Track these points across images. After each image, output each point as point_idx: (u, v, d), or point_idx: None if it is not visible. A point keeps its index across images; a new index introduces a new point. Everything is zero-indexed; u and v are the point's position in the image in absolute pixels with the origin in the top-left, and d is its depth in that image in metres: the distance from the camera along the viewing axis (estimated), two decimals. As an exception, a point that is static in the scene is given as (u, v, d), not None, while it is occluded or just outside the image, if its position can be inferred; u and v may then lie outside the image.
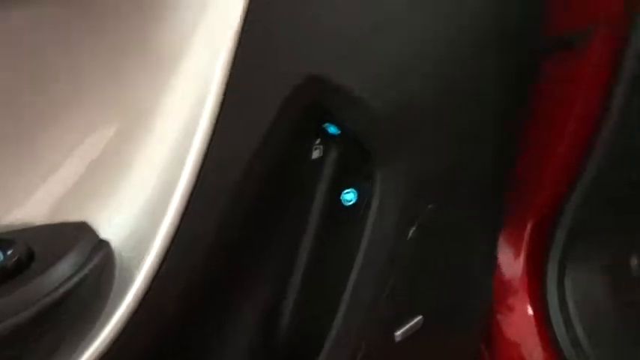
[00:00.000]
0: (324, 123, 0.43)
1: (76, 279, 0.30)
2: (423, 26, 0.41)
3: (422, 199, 0.45)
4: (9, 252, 0.29)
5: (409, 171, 0.43)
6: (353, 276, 0.42)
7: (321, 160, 0.43)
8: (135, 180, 0.33)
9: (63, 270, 0.30)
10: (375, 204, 0.42)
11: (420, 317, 0.48)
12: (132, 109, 0.33)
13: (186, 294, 0.34)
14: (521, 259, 0.74)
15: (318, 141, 0.44)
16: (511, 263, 0.75)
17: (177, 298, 0.33)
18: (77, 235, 0.31)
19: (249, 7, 0.33)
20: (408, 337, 0.47)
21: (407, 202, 0.43)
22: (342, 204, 0.44)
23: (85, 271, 0.30)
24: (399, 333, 0.46)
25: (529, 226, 0.73)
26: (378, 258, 0.42)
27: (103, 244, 0.31)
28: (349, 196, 0.44)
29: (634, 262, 0.76)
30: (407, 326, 0.46)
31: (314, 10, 0.36)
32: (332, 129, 0.43)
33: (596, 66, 0.63)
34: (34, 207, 0.31)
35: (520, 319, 0.74)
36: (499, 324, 0.74)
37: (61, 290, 0.30)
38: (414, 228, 0.45)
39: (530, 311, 0.74)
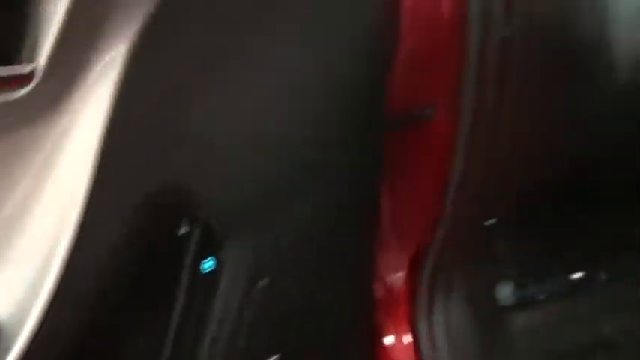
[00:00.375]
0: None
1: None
2: (262, 140, 0.52)
3: (267, 265, 0.56)
4: None
5: (255, 244, 0.54)
6: (209, 331, 0.52)
7: (187, 234, 0.54)
8: (16, 268, 0.43)
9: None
10: (226, 270, 0.53)
11: (276, 356, 0.58)
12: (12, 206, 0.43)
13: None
14: (402, 292, 0.85)
15: (184, 220, 0.54)
16: (396, 295, 0.86)
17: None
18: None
19: (108, 133, 0.43)
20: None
21: (253, 267, 0.55)
22: (203, 271, 0.55)
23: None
24: (256, 371, 0.57)
25: (407, 262, 0.85)
26: (230, 312, 0.53)
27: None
28: (209, 264, 0.55)
29: (498, 293, 0.88)
30: (264, 365, 0.57)
31: (167, 134, 0.47)
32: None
33: (442, 134, 0.75)
34: None
35: (402, 345, 0.85)
36: (386, 350, 0.85)
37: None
38: (265, 280, 0.56)
39: (409, 339, 0.85)
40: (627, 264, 0.93)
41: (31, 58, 0.41)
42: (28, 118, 0.40)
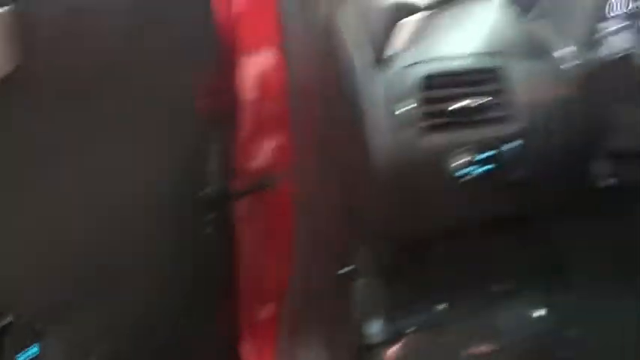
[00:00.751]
0: None
1: None
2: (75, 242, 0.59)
3: (94, 344, 0.63)
4: None
5: (80, 328, 0.61)
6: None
7: (8, 325, 0.60)
8: None
9: None
10: (48, 355, 0.60)
11: None
12: None
13: None
14: (268, 336, 0.92)
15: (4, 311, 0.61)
16: (264, 339, 0.93)
17: None
18: None
19: None
20: None
21: (78, 349, 0.61)
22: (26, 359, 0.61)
23: None
24: None
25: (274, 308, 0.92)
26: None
27: None
28: (32, 351, 0.61)
29: (366, 330, 0.94)
30: None
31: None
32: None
33: (286, 198, 0.83)
34: None
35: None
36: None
37: None
38: (92, 358, 0.63)
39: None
40: (485, 297, 1.02)
41: None
42: None
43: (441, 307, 1.01)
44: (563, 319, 0.99)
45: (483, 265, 0.99)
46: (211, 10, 0.74)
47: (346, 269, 0.93)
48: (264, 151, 0.83)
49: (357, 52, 0.69)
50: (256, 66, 0.82)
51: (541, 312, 1.01)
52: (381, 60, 0.69)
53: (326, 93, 0.75)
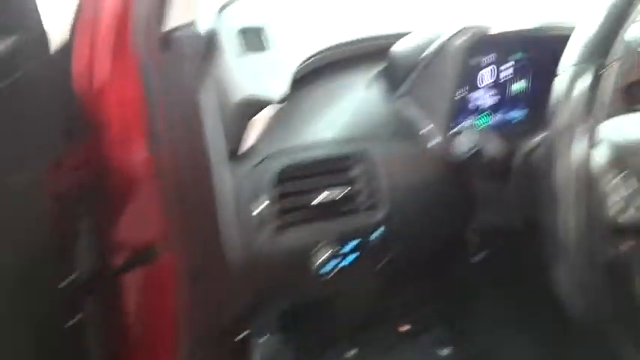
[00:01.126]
0: None
1: None
2: None
3: None
4: None
5: None
6: None
7: None
8: None
9: None
10: None
11: None
12: None
13: None
14: None
15: None
16: None
17: None
18: None
19: None
20: None
21: None
22: None
23: None
24: None
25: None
26: None
27: None
28: None
29: None
30: None
31: None
32: None
33: (166, 272, 0.81)
34: None
35: None
36: None
37: None
38: None
39: None
40: (392, 339, 1.04)
41: None
42: None
43: (351, 353, 1.02)
44: (468, 357, 1.01)
45: (389, 308, 1.01)
46: (69, 82, 0.70)
47: (243, 334, 0.92)
48: (142, 224, 0.81)
49: (212, 147, 0.67)
50: (124, 138, 0.79)
51: (446, 351, 1.03)
52: (235, 156, 0.66)
53: (190, 178, 0.72)
